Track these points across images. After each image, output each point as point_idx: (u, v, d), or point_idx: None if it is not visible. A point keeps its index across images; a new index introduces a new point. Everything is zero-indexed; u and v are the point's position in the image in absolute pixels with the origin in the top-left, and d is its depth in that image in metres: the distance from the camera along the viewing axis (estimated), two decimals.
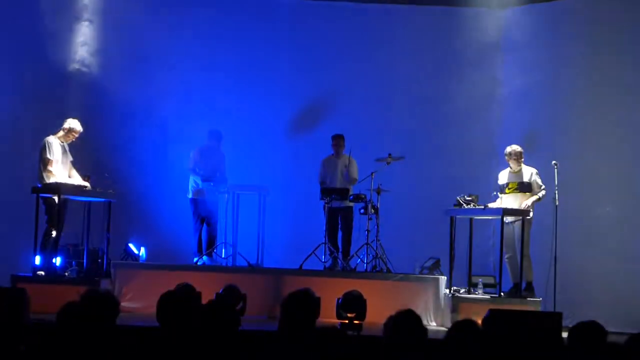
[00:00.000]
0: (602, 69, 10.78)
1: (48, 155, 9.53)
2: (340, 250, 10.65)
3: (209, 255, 10.55)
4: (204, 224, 10.72)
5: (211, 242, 10.68)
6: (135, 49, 11.66)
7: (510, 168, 9.91)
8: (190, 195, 10.74)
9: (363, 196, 10.52)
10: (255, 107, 11.84)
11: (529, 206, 9.67)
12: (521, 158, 9.89)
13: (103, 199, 9.90)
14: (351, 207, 10.71)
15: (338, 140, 10.88)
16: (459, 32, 11.83)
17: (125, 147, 11.51)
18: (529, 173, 9.85)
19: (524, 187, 9.78)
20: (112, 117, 11.56)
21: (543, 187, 9.81)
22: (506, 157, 9.93)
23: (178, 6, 11.92)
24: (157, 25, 11.70)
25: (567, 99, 11.09)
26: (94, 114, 11.24)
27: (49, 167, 9.51)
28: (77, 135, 9.83)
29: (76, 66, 11.70)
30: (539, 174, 9.86)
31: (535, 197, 9.75)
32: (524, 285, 9.56)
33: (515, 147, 9.91)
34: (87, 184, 9.80)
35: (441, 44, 11.80)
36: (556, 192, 9.69)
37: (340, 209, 10.66)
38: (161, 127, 11.76)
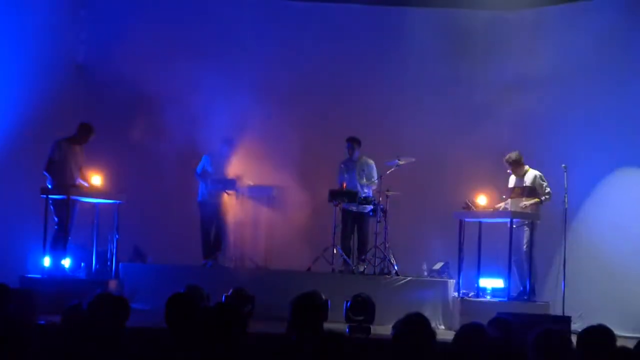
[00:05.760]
0: (614, 71, 10.74)
1: (52, 157, 9.60)
2: (352, 254, 10.61)
3: (217, 257, 10.55)
4: (213, 227, 10.71)
5: (219, 245, 10.67)
6: (140, 49, 11.68)
7: (516, 173, 9.89)
8: (199, 199, 10.72)
9: (371, 199, 10.50)
10: (266, 107, 11.82)
11: (526, 207, 9.63)
12: (517, 165, 9.82)
13: (112, 201, 9.92)
14: (367, 213, 10.64)
15: (351, 143, 10.83)
16: (470, 35, 11.81)
17: (134, 148, 11.50)
18: (532, 177, 9.79)
19: (527, 192, 9.71)
20: (122, 117, 11.58)
21: (548, 190, 9.73)
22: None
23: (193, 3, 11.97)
24: (168, 26, 11.74)
25: (578, 101, 11.04)
26: (104, 114, 11.26)
27: (51, 169, 9.56)
28: (89, 140, 9.88)
29: (86, 64, 11.76)
30: (544, 177, 9.80)
31: (532, 201, 9.68)
32: (527, 288, 9.54)
33: (507, 156, 9.88)
34: (96, 185, 9.82)
35: (451, 48, 11.77)
36: (565, 195, 9.66)
37: (355, 213, 10.61)
38: (171, 130, 11.75)
